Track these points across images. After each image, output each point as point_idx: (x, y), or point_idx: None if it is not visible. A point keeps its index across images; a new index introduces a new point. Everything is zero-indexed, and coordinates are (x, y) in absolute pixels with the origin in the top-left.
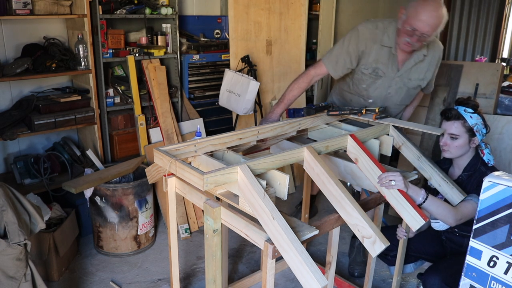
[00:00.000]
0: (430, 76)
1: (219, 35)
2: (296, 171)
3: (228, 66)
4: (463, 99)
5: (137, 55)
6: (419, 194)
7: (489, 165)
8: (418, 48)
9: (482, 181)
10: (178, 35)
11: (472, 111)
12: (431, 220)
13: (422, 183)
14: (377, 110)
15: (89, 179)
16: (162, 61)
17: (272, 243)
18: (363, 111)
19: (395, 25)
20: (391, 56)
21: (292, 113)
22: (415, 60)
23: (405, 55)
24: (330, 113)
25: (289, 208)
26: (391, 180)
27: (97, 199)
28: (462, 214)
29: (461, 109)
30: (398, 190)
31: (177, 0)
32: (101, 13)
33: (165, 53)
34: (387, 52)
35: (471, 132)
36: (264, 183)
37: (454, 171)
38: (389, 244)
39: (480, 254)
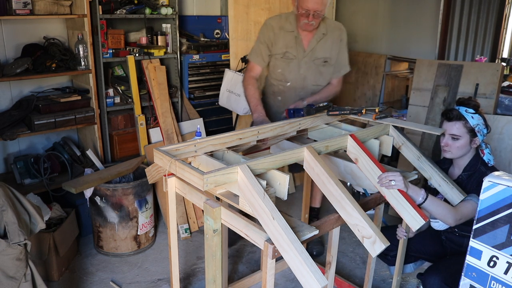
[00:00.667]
0: (335, 54)
1: (219, 35)
2: None
3: (228, 66)
4: (464, 99)
5: (137, 55)
6: (419, 194)
7: (489, 165)
8: (316, 25)
9: (482, 181)
10: (178, 35)
11: (474, 112)
12: (431, 220)
13: (422, 183)
14: (377, 110)
15: (89, 179)
16: (162, 61)
17: (272, 243)
18: (363, 111)
19: (292, 14)
20: (296, 40)
21: (292, 113)
22: (316, 39)
23: (308, 36)
24: (330, 113)
25: (289, 208)
26: (391, 180)
27: (97, 199)
28: (462, 214)
29: (462, 110)
30: (398, 190)
31: (177, 0)
32: (101, 13)
33: (165, 53)
34: (292, 36)
35: (472, 133)
36: (264, 183)
37: (454, 171)
38: (389, 244)
39: (480, 254)
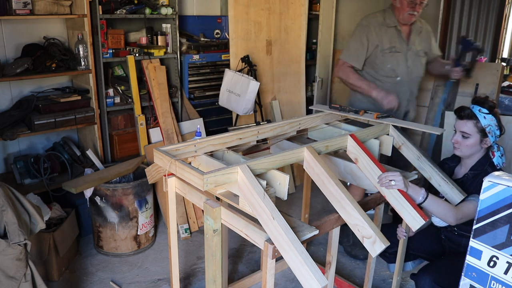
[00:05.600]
0: (430, 46)
1: (219, 35)
2: (296, 171)
3: (228, 66)
4: (480, 98)
5: (137, 55)
6: (419, 194)
7: (497, 167)
8: (418, 16)
9: None
10: (178, 35)
11: (487, 112)
12: (432, 218)
13: (422, 183)
14: (375, 117)
15: (89, 179)
16: (162, 61)
17: (272, 243)
18: (361, 112)
19: (389, 10)
20: (398, 33)
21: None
22: (415, 32)
23: (407, 30)
24: (332, 104)
25: (289, 208)
26: (391, 180)
27: (97, 199)
28: (463, 214)
29: (475, 109)
30: (398, 190)
31: (177, 0)
32: (101, 13)
33: (165, 53)
34: (393, 31)
35: (483, 133)
36: (264, 183)
37: (460, 170)
38: (389, 244)
39: (480, 254)
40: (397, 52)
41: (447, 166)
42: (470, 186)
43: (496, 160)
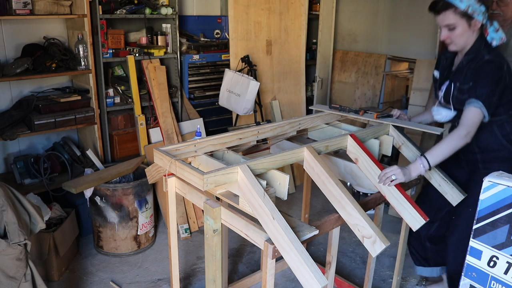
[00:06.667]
0: None
1: (219, 35)
2: (296, 171)
3: (228, 66)
4: None
5: (137, 55)
6: (419, 167)
7: (493, 44)
8: (507, 15)
9: (478, 70)
10: (178, 35)
11: None
12: (433, 114)
13: (422, 182)
14: (375, 117)
15: (89, 179)
16: (162, 61)
17: (272, 243)
18: (361, 112)
19: None
20: None
21: None
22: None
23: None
24: (332, 105)
25: (289, 208)
26: (392, 175)
27: (97, 199)
28: (467, 127)
29: None
30: (398, 190)
31: (177, 0)
32: (101, 13)
33: (165, 53)
34: None
35: (467, 16)
36: (264, 183)
37: (457, 59)
38: (389, 243)
39: (480, 254)
40: None
41: (444, 57)
42: (463, 71)
43: (490, 37)
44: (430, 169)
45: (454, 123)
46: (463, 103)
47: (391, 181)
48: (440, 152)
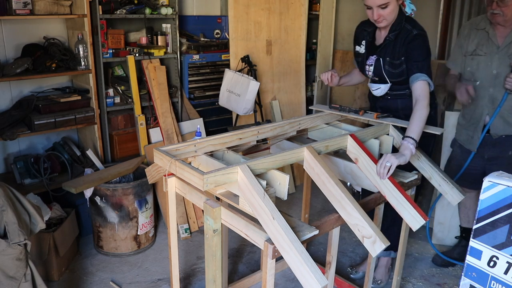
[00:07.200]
0: None
1: (219, 35)
2: (296, 171)
3: (228, 66)
4: None
5: (137, 55)
6: (407, 146)
7: (412, 15)
8: (507, 15)
9: (411, 46)
10: (178, 35)
11: None
12: (372, 90)
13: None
14: (375, 117)
15: (89, 179)
16: (162, 61)
17: (272, 243)
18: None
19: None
20: (487, 36)
21: None
22: None
23: (504, 32)
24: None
25: (289, 208)
26: (386, 162)
27: (97, 199)
28: (426, 98)
29: None
30: (398, 189)
31: (177, 0)
32: (101, 13)
33: (165, 53)
34: (482, 33)
35: None
36: (264, 183)
37: (380, 34)
38: (389, 243)
39: (480, 254)
40: (479, 55)
41: (366, 32)
42: (394, 47)
43: (408, 9)
44: (417, 145)
45: (386, 93)
46: (396, 76)
47: (388, 170)
48: (417, 127)
